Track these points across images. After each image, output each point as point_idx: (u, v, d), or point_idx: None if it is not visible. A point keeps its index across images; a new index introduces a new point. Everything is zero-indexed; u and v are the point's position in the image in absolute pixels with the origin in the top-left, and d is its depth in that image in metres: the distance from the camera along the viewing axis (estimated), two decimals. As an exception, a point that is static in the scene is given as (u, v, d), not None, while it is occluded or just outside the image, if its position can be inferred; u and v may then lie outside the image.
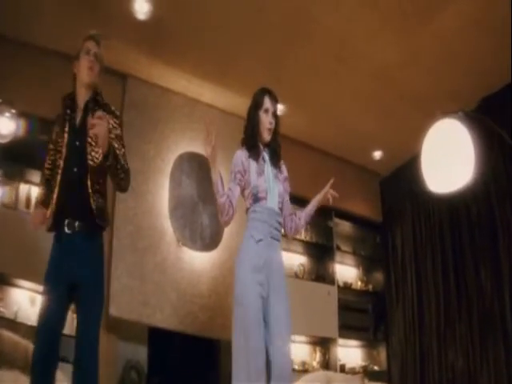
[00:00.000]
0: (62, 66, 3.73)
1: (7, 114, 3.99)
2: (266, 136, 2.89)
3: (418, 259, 5.99)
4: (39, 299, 4.09)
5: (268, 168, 2.86)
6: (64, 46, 4.51)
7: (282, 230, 2.90)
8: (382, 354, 5.94)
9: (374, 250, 6.49)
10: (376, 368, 5.87)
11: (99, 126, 2.44)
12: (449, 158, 2.80)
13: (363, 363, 5.86)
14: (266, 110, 2.88)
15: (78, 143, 2.65)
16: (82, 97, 2.77)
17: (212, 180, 2.67)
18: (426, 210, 5.99)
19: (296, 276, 5.76)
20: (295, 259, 5.91)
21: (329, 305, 5.62)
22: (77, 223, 2.56)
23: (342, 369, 5.43)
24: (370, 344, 6.06)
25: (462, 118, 2.78)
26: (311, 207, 3.11)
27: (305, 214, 3.06)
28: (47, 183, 2.73)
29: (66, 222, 2.57)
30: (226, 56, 4.95)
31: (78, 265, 2.53)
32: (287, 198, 2.99)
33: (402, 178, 6.29)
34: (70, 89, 2.82)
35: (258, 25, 4.55)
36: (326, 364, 5.46)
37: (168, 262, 4.71)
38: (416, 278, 5.93)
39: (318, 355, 5.52)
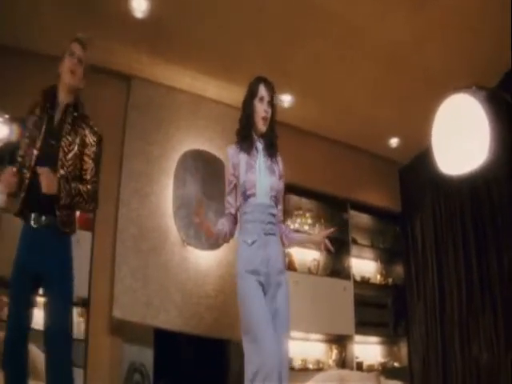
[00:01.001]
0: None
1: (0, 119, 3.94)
2: (261, 126, 2.78)
3: (439, 249, 5.74)
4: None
5: (260, 159, 2.76)
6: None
7: None
8: (403, 349, 5.74)
9: (394, 242, 6.26)
10: (396, 364, 5.67)
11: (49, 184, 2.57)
12: (461, 137, 2.59)
13: (383, 360, 5.66)
14: (261, 99, 2.78)
15: (53, 143, 2.70)
16: (63, 98, 2.80)
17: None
18: (446, 198, 5.73)
19: (310, 272, 5.59)
20: (309, 254, 5.73)
21: (344, 301, 5.46)
22: (43, 218, 2.63)
23: (359, 367, 5.26)
24: (389, 340, 5.85)
25: (475, 93, 2.54)
26: (299, 239, 2.99)
27: (289, 237, 2.89)
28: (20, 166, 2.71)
29: (33, 216, 2.63)
30: (230, 50, 4.82)
31: (43, 257, 2.60)
32: (281, 195, 2.84)
33: (422, 165, 6.00)
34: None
35: (261, 17, 4.39)
36: (343, 362, 5.29)
37: (173, 262, 4.63)
38: (437, 269, 5.69)
39: (334, 353, 5.34)
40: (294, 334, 5.17)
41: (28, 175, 2.64)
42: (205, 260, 4.78)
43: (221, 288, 4.75)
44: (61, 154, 2.68)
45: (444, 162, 2.69)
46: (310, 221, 5.80)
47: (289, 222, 5.64)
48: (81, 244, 4.41)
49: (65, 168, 2.69)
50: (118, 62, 5.00)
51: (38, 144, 2.68)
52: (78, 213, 4.56)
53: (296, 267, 5.47)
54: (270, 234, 2.65)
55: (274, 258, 2.62)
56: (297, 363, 5.08)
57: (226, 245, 4.90)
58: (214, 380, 4.67)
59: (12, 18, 4.50)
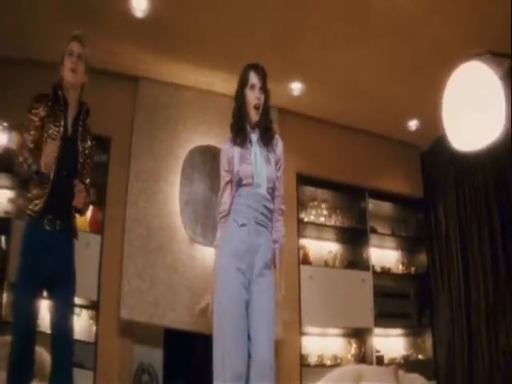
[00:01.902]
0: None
1: (-1, 127, 4.00)
2: (254, 115, 2.67)
3: (464, 235, 5.47)
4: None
5: (255, 150, 2.65)
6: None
7: None
8: (428, 341, 5.52)
9: (416, 230, 6.02)
10: (420, 357, 5.47)
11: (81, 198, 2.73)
12: (474, 109, 2.32)
13: (405, 353, 5.47)
14: (252, 86, 2.67)
15: (69, 148, 2.75)
16: (72, 98, 2.84)
17: None
18: (470, 181, 5.43)
19: (326, 265, 5.45)
20: (325, 247, 5.60)
21: (363, 293, 5.28)
22: (58, 222, 2.67)
23: (380, 360, 5.09)
24: (413, 331, 5.64)
25: (489, 60, 2.30)
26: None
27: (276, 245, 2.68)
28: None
29: (48, 219, 2.65)
30: (234, 42, 4.71)
31: (56, 260, 2.65)
32: (279, 184, 2.69)
33: (444, 147, 5.70)
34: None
35: (264, 4, 4.24)
36: (362, 357, 5.14)
37: (180, 261, 4.61)
38: (462, 256, 5.43)
39: (353, 348, 5.20)
40: (309, 329, 5.09)
41: (50, 183, 2.66)
42: (212, 257, 4.70)
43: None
44: (79, 164, 2.79)
45: (456, 137, 2.44)
46: (325, 212, 5.65)
47: (303, 215, 5.52)
48: (90, 247, 4.47)
49: (85, 176, 2.85)
50: (124, 64, 5.04)
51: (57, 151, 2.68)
52: (88, 216, 4.69)
53: (311, 261, 5.34)
54: (261, 225, 2.53)
55: (261, 250, 2.49)
56: (312, 359, 4.98)
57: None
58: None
59: (12, 28, 4.57)
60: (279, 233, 2.66)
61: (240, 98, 2.70)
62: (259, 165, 2.60)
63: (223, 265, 2.49)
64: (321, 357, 4.98)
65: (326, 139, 5.87)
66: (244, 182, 2.57)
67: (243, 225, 2.50)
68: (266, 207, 2.57)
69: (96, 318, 4.34)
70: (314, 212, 5.62)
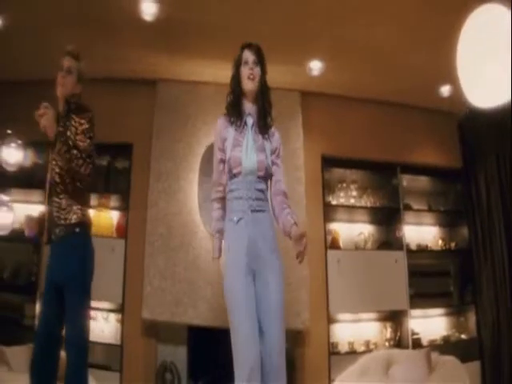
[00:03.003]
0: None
1: (13, 145, 4.18)
2: (249, 84, 2.65)
3: (507, 205, 5.15)
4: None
5: (248, 136, 2.63)
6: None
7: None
8: (471, 320, 5.26)
9: (455, 203, 5.70)
10: (463, 336, 5.23)
11: (45, 117, 2.70)
12: (493, 58, 2.02)
13: (447, 333, 5.25)
14: (246, 62, 2.69)
15: (54, 155, 2.84)
16: (60, 109, 2.94)
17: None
18: (512, 147, 5.07)
19: (357, 247, 5.32)
20: (355, 229, 5.46)
21: (396, 274, 5.10)
22: (57, 230, 2.77)
23: (417, 343, 4.92)
24: (454, 310, 5.39)
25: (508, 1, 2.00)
26: (283, 228, 2.63)
27: (278, 221, 2.66)
28: None
29: (52, 228, 2.80)
30: (247, 29, 4.51)
31: (59, 268, 2.76)
32: (278, 176, 2.66)
33: (483, 113, 5.35)
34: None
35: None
36: (398, 340, 5.00)
37: (201, 257, 4.68)
38: (505, 227, 5.12)
39: (389, 332, 5.06)
40: (339, 316, 5.02)
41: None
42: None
43: (252, 278, 4.70)
44: (53, 163, 2.83)
45: (473, 91, 2.14)
46: (354, 193, 5.49)
47: (330, 198, 5.40)
48: (116, 252, 4.64)
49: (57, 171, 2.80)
50: (140, 69, 5.16)
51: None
52: (115, 222, 4.85)
53: (340, 245, 5.24)
54: (258, 210, 2.53)
55: (263, 237, 2.49)
56: (343, 347, 4.91)
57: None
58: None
59: (24, 48, 4.76)
60: (289, 223, 2.57)
61: (235, 77, 2.72)
62: (250, 151, 2.59)
63: (229, 263, 2.50)
64: (352, 344, 4.90)
65: (351, 117, 5.67)
66: (234, 171, 2.57)
67: (239, 219, 2.50)
68: (258, 190, 2.55)
69: (122, 321, 4.52)
70: (342, 194, 5.48)
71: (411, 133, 5.73)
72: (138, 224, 4.78)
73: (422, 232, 5.57)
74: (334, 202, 5.41)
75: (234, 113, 2.68)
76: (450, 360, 4.15)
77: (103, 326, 4.73)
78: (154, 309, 4.41)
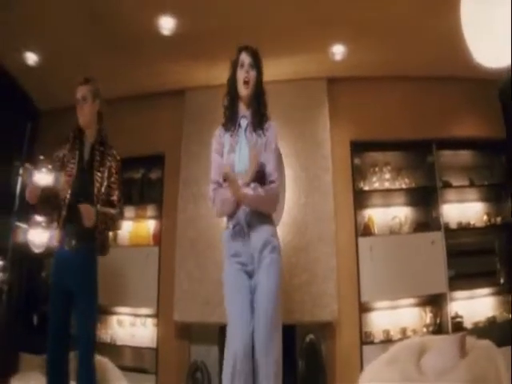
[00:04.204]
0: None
1: (44, 170, 4.59)
2: (243, 89, 2.75)
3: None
4: (125, 320, 4.79)
5: (241, 139, 2.74)
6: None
7: None
8: (520, 297, 4.96)
9: (500, 176, 5.34)
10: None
11: (89, 217, 3.02)
12: (502, 12, 1.80)
13: (492, 314, 4.98)
14: (242, 65, 2.78)
15: (86, 176, 3.17)
16: (88, 134, 3.28)
17: None
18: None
19: (391, 232, 5.20)
20: (389, 213, 5.33)
21: (433, 255, 4.90)
22: (73, 242, 3.07)
23: (459, 327, 4.73)
24: (500, 289, 5.07)
25: None
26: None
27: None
28: None
29: (66, 240, 3.09)
30: (265, 26, 4.74)
31: (73, 275, 3.04)
32: (270, 166, 2.72)
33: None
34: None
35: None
36: (439, 325, 4.84)
37: (228, 256, 4.82)
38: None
39: (429, 317, 4.91)
40: (375, 304, 4.97)
41: (65, 210, 3.11)
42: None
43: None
44: (96, 189, 3.15)
45: (480, 49, 2.01)
46: (388, 175, 5.36)
47: (362, 184, 5.32)
48: (150, 259, 4.96)
49: (100, 200, 3.15)
50: (168, 81, 5.45)
51: (71, 181, 3.15)
52: (152, 230, 5.18)
53: (373, 231, 5.16)
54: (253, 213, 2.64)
55: (256, 237, 2.62)
56: (377, 336, 4.86)
57: (278, 229, 4.95)
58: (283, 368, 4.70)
59: (59, 78, 5.18)
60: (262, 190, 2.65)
61: (231, 80, 2.81)
62: (242, 154, 2.69)
63: (225, 265, 2.68)
64: (387, 332, 4.82)
65: (380, 97, 5.53)
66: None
67: (235, 225, 2.65)
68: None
69: (157, 326, 4.84)
70: (374, 179, 5.38)
71: (446, 106, 5.46)
72: (170, 230, 5.06)
73: (463, 209, 5.30)
74: (366, 188, 5.33)
75: (230, 116, 2.79)
76: (484, 344, 3.97)
77: (142, 331, 5.10)
78: (184, 311, 4.67)
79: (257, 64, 2.78)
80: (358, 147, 5.39)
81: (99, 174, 3.19)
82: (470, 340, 3.98)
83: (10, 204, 4.31)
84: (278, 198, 2.77)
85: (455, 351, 3.89)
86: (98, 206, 3.13)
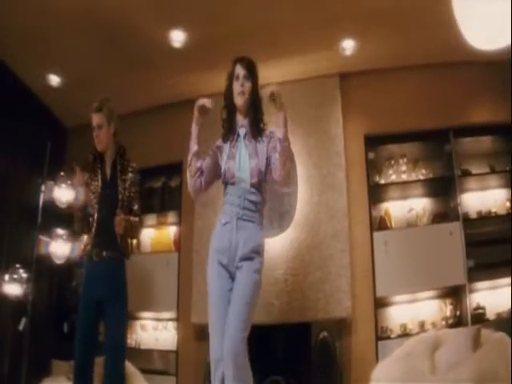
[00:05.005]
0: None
1: (63, 185, 4.88)
2: (239, 100, 2.82)
3: None
4: (148, 325, 5.00)
5: (241, 146, 2.83)
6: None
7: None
8: (548, 285, 4.74)
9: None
10: (539, 305, 4.74)
11: (120, 225, 3.29)
12: None
13: (515, 304, 4.80)
14: (237, 77, 2.83)
15: (108, 191, 3.43)
16: (107, 154, 3.52)
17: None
18: None
19: (409, 225, 5.13)
20: (405, 206, 5.26)
21: (451, 247, 4.78)
22: (104, 253, 3.31)
23: (479, 318, 4.60)
24: (525, 278, 4.88)
25: None
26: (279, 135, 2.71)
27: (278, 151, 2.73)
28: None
29: (95, 251, 3.31)
30: (273, 28, 4.86)
31: (104, 284, 3.27)
32: (273, 159, 2.76)
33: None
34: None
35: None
36: (459, 317, 4.73)
37: (243, 259, 4.93)
38: None
39: (449, 309, 4.80)
40: (392, 298, 4.93)
41: (95, 222, 3.37)
42: (271, 247, 4.92)
43: (291, 271, 4.88)
44: (120, 200, 3.40)
45: (472, 31, 1.99)
46: (404, 167, 5.28)
47: (377, 178, 5.28)
48: (170, 265, 5.16)
49: (124, 209, 3.40)
50: (184, 91, 5.59)
51: (97, 198, 3.41)
52: (172, 237, 5.38)
53: (388, 224, 5.11)
54: (246, 220, 2.72)
55: (243, 242, 2.68)
56: (394, 331, 4.81)
57: (290, 229, 5.00)
58: (298, 366, 4.78)
59: (81, 98, 5.45)
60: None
61: (227, 92, 2.88)
62: (242, 159, 2.79)
63: (209, 260, 2.81)
64: (404, 326, 4.76)
65: (393, 89, 5.46)
66: (229, 181, 2.81)
67: (226, 223, 2.75)
68: (250, 201, 2.73)
69: (177, 328, 5.03)
70: (390, 172, 5.32)
71: (462, 92, 5.30)
72: (188, 236, 5.24)
73: (483, 197, 5.13)
74: (382, 182, 5.29)
75: (228, 127, 2.90)
76: (497, 337, 3.88)
77: (164, 334, 5.34)
78: (201, 313, 4.81)
79: (251, 74, 2.83)
80: (373, 141, 5.35)
81: (122, 185, 3.45)
82: (485, 333, 3.89)
83: (34, 218, 4.58)
84: (290, 161, 2.83)
85: (468, 345, 3.81)
86: (125, 215, 3.37)
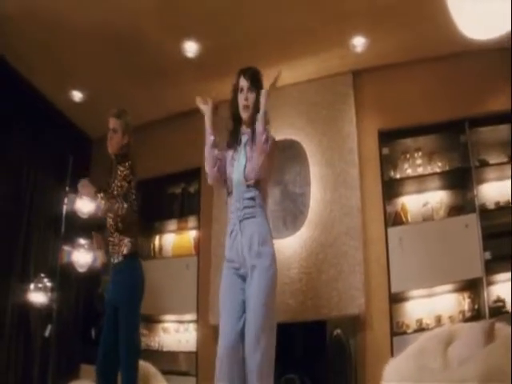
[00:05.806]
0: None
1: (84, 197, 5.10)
2: (244, 114, 2.92)
3: None
4: (170, 327, 5.17)
5: (241, 152, 2.94)
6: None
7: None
8: None
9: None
10: (561, 296, 4.58)
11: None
12: None
13: (537, 295, 4.65)
14: (241, 89, 2.93)
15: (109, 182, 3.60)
16: (115, 164, 3.66)
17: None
18: None
19: (424, 219, 5.07)
20: (420, 201, 5.20)
21: (468, 239, 4.69)
22: (115, 259, 3.46)
23: (499, 311, 4.50)
24: (547, 268, 4.72)
25: None
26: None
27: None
28: None
29: (110, 258, 3.52)
30: (282, 31, 4.95)
31: (114, 291, 3.44)
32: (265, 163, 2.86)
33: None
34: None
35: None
36: (477, 311, 4.64)
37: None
38: None
39: (467, 302, 4.71)
40: (407, 294, 4.90)
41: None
42: (285, 247, 5.00)
43: (305, 269, 4.94)
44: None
45: (465, 21, 2.01)
46: (419, 161, 5.22)
47: (392, 173, 5.25)
48: (189, 268, 5.32)
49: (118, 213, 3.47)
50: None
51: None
52: (192, 241, 5.53)
53: (404, 219, 5.07)
54: (247, 218, 2.82)
55: (248, 243, 2.78)
56: (410, 326, 4.78)
57: (304, 228, 5.05)
58: (312, 364, 4.82)
59: (98, 110, 5.69)
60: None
61: (233, 103, 3.00)
62: (240, 164, 2.92)
63: (223, 270, 3.00)
64: (420, 321, 4.72)
65: (406, 83, 5.43)
66: (230, 188, 2.97)
67: (231, 232, 2.90)
68: (247, 198, 2.84)
69: (197, 330, 5.19)
70: (405, 166, 5.27)
71: (477, 81, 5.18)
72: (207, 240, 5.40)
73: (501, 187, 4.98)
74: (397, 176, 5.25)
75: (233, 138, 3.04)
76: (508, 331, 3.81)
77: (186, 336, 5.53)
78: (218, 314, 4.93)
79: (255, 85, 2.93)
80: (387, 136, 5.33)
81: (118, 183, 3.51)
82: (500, 326, 3.82)
83: (58, 229, 4.83)
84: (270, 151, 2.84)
85: (480, 339, 3.76)
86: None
